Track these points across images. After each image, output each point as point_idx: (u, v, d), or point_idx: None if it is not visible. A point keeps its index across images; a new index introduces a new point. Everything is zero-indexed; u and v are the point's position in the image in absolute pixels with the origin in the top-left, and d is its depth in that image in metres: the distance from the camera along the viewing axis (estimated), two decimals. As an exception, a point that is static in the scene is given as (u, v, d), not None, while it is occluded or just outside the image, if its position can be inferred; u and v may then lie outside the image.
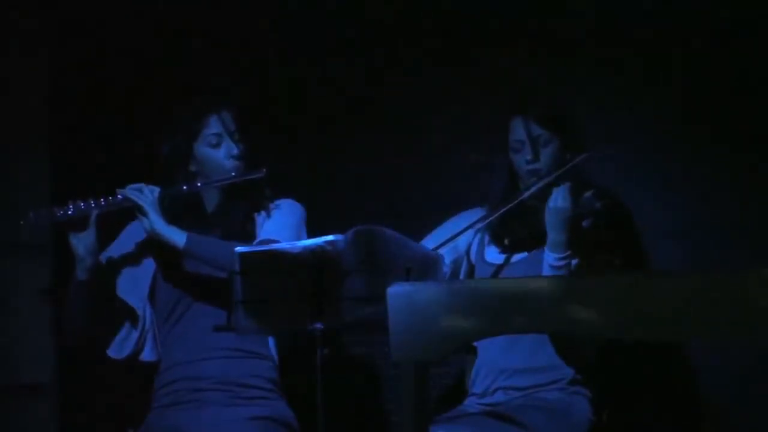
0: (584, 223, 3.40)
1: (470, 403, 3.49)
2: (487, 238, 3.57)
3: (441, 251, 3.40)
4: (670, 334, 2.26)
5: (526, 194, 3.42)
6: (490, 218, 3.44)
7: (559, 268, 3.33)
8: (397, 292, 2.39)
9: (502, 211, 3.41)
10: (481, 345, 3.52)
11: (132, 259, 3.48)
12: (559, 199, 3.35)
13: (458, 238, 3.54)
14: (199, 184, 3.40)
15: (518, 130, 3.49)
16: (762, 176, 3.75)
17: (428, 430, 2.45)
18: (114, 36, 4.16)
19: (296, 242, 3.12)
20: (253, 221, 3.46)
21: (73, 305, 3.37)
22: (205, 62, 4.15)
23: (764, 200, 3.76)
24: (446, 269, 3.42)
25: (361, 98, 4.14)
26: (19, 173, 4.08)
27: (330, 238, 3.04)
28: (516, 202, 3.42)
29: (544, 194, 3.40)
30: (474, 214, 3.59)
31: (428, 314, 2.36)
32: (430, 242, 3.48)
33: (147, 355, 3.47)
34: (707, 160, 3.83)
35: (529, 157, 3.47)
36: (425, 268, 3.10)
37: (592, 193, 3.38)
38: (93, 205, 3.30)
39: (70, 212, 3.29)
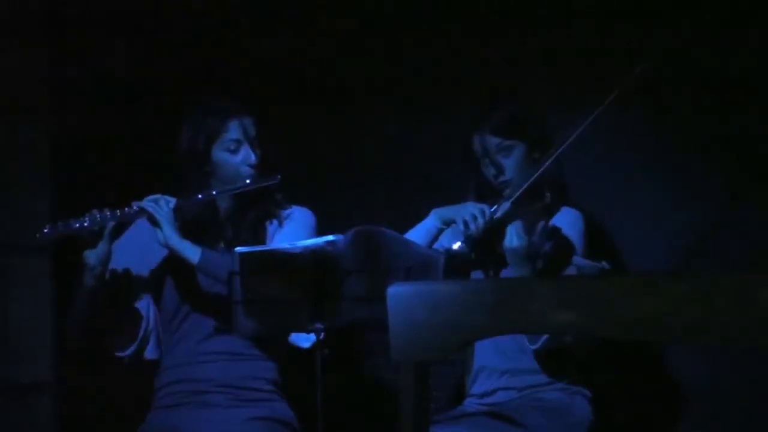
0: (546, 249, 3.33)
1: (470, 403, 3.50)
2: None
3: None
4: (667, 335, 2.26)
5: (498, 213, 3.38)
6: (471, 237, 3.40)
7: None
8: (397, 292, 2.39)
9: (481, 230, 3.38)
10: (480, 345, 3.52)
11: (137, 257, 3.47)
12: (514, 239, 3.30)
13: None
14: (214, 192, 3.38)
15: (476, 145, 3.53)
16: (762, 176, 3.75)
17: (428, 430, 2.45)
18: (116, 36, 4.17)
19: (296, 242, 3.12)
20: (264, 228, 3.46)
21: (80, 310, 3.36)
22: (209, 63, 4.16)
23: (764, 200, 3.76)
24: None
25: (359, 99, 4.14)
26: (20, 173, 4.08)
27: (330, 238, 3.04)
28: (488, 221, 3.37)
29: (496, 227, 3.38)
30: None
31: (428, 314, 2.36)
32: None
33: (150, 353, 3.47)
34: (707, 160, 3.83)
35: (493, 172, 3.49)
36: (425, 268, 3.10)
37: (544, 223, 3.32)
38: (108, 215, 3.26)
39: (86, 224, 3.25)
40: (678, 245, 3.78)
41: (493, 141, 3.49)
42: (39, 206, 3.97)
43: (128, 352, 3.43)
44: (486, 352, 3.51)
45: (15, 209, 3.96)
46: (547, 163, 3.38)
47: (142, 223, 3.41)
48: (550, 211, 3.44)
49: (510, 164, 3.48)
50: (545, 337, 3.34)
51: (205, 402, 3.37)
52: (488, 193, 3.53)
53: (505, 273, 3.49)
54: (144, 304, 3.46)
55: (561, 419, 3.36)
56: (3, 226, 3.98)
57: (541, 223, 3.32)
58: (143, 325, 3.44)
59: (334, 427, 3.05)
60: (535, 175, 3.38)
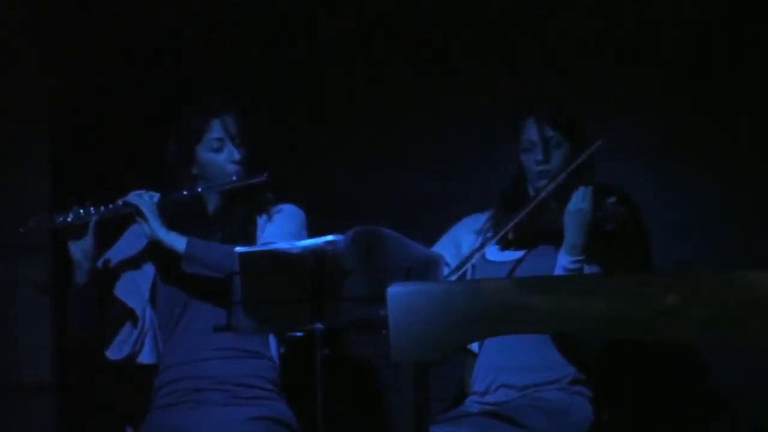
0: (607, 227, 3.38)
1: (471, 403, 3.50)
2: (491, 235, 3.55)
3: (446, 257, 3.42)
4: (670, 334, 2.26)
5: (543, 194, 3.41)
6: (514, 222, 3.41)
7: (572, 270, 3.32)
8: (397, 292, 2.39)
9: (522, 214, 3.39)
10: (482, 343, 3.52)
11: (133, 261, 3.48)
12: (579, 202, 3.34)
13: (461, 242, 3.56)
14: (200, 189, 3.41)
15: (531, 131, 3.50)
16: (763, 176, 3.76)
17: (428, 430, 2.45)
18: (114, 37, 4.16)
19: (296, 242, 3.13)
20: (254, 224, 3.47)
21: (73, 308, 3.38)
22: (204, 64, 4.16)
23: (764, 200, 3.76)
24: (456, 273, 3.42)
25: (359, 99, 4.14)
26: (20, 174, 4.08)
27: (330, 238, 3.04)
28: (534, 204, 3.40)
29: (559, 195, 3.40)
30: (476, 220, 3.60)
31: (428, 314, 2.36)
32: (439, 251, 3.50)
33: (145, 357, 3.48)
34: (708, 160, 3.83)
35: (539, 158, 3.48)
36: (425, 268, 3.10)
37: (615, 199, 3.36)
38: (93, 212, 3.30)
39: (69, 219, 3.29)
40: (694, 246, 3.79)
41: (549, 131, 3.48)
42: (39, 207, 3.97)
43: (122, 355, 3.44)
44: (488, 350, 3.50)
45: (15, 210, 3.96)
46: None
47: (134, 230, 3.44)
48: None
49: (556, 157, 3.48)
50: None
51: (204, 400, 3.37)
52: (523, 182, 3.53)
53: (518, 255, 3.49)
54: (140, 306, 3.46)
55: (561, 420, 3.35)
56: (3, 226, 3.98)
57: (612, 199, 3.34)
58: (138, 327, 3.45)
59: (334, 427, 3.05)
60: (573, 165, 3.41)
